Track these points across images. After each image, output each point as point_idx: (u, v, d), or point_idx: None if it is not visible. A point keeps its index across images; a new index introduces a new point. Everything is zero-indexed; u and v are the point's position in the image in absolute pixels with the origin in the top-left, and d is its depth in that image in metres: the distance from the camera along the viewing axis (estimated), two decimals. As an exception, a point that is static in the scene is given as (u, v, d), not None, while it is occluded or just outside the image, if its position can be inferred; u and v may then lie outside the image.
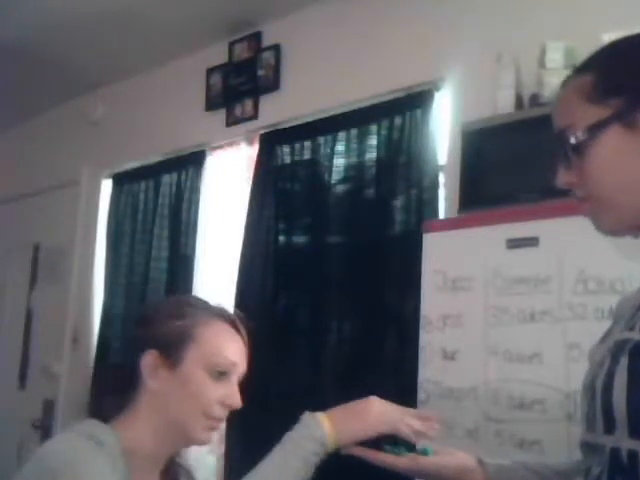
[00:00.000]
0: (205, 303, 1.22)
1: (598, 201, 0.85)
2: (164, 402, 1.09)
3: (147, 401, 1.09)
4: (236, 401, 1.13)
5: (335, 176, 2.56)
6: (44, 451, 0.99)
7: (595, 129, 0.83)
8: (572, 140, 0.85)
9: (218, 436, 2.77)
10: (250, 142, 2.93)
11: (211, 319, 1.14)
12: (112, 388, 1.13)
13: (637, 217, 0.84)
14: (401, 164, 2.36)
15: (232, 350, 1.14)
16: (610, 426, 0.79)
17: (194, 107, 3.12)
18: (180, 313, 1.14)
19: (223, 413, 1.12)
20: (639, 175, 0.82)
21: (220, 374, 1.11)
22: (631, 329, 0.81)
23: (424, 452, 1.10)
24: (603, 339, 0.92)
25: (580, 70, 0.88)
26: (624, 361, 0.78)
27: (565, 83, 0.90)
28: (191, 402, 1.09)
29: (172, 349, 1.10)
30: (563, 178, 0.89)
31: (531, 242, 1.74)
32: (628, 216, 0.85)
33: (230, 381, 1.13)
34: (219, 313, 1.17)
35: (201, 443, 1.13)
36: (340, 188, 2.55)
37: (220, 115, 3.03)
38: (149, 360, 1.09)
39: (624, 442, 0.76)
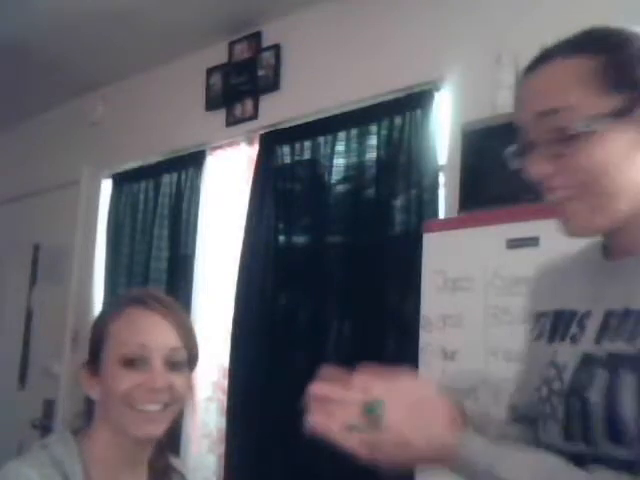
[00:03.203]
0: (119, 297, 1.23)
1: (591, 196, 0.79)
2: (104, 408, 1.09)
3: (98, 411, 1.11)
4: (153, 383, 1.05)
5: (335, 176, 2.56)
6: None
7: (597, 120, 0.77)
8: (572, 127, 0.78)
9: (218, 435, 2.78)
10: (250, 142, 2.93)
11: (121, 310, 1.11)
12: (82, 404, 1.15)
13: (620, 216, 0.80)
14: (401, 164, 2.36)
15: (139, 332, 1.08)
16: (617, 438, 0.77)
17: (194, 107, 3.12)
18: (98, 317, 1.16)
19: (148, 400, 1.05)
20: (634, 173, 0.79)
21: (131, 361, 1.06)
22: (629, 340, 0.78)
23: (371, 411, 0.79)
24: (557, 337, 0.89)
25: (577, 49, 0.82)
26: (632, 380, 0.76)
27: (551, 57, 0.83)
28: (111, 398, 1.06)
29: (93, 356, 1.11)
30: (541, 167, 0.81)
31: (531, 242, 1.74)
32: (613, 213, 0.80)
33: (150, 364, 1.06)
34: (130, 299, 1.14)
35: (143, 438, 1.08)
36: (340, 188, 2.55)
37: (220, 115, 3.03)
38: (81, 374, 1.12)
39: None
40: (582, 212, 0.81)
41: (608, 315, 0.82)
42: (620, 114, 0.77)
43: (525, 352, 1.01)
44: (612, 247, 0.88)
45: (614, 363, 0.78)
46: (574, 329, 0.87)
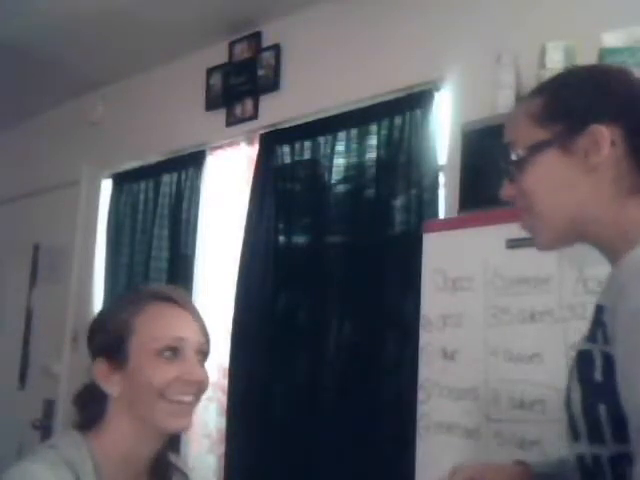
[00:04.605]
0: (140, 290, 1.22)
1: (533, 213, 0.94)
2: (128, 404, 1.08)
3: (115, 407, 1.09)
4: (190, 375, 1.09)
5: (335, 176, 2.56)
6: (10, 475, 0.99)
7: (534, 148, 0.91)
8: (513, 155, 0.94)
9: (218, 435, 2.77)
10: (250, 142, 2.93)
11: (145, 305, 1.12)
12: (86, 401, 1.13)
13: (568, 231, 0.92)
14: (401, 164, 2.36)
15: (173, 326, 1.11)
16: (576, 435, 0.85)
17: (194, 107, 3.12)
18: (115, 312, 1.15)
19: (183, 391, 1.09)
20: (569, 193, 0.90)
21: (170, 354, 1.08)
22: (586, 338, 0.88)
23: None
24: None
25: (534, 93, 0.96)
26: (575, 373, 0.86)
27: (519, 102, 0.99)
28: (146, 390, 1.06)
29: (115, 350, 1.09)
30: (506, 190, 0.98)
31: (531, 242, 1.73)
32: (559, 229, 0.93)
33: (185, 357, 1.10)
34: (153, 294, 1.15)
35: (174, 431, 1.11)
36: (340, 188, 2.55)
37: (220, 115, 3.03)
38: (99, 369, 1.10)
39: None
40: (534, 230, 0.96)
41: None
42: (547, 143, 0.90)
43: None
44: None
45: (575, 361, 0.88)
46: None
